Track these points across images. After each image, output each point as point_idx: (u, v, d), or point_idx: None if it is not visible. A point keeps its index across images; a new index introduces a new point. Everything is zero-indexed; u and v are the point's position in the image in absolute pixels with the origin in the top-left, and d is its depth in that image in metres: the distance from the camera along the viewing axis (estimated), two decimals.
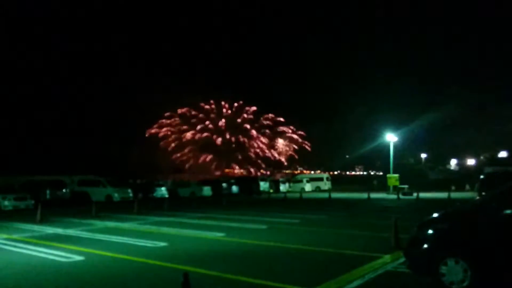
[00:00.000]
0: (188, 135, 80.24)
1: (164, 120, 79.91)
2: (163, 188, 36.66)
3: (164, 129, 79.55)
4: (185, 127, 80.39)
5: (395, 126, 55.79)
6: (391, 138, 44.71)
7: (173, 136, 79.84)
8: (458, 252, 6.12)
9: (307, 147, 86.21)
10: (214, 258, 8.97)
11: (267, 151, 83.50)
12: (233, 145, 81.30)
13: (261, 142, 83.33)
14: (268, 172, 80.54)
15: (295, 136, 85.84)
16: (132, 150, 64.01)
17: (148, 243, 10.92)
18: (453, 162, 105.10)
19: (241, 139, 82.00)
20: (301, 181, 51.78)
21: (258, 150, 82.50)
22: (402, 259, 7.53)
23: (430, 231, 6.52)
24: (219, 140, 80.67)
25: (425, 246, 6.43)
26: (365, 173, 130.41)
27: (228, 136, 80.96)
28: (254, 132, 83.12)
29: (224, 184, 41.65)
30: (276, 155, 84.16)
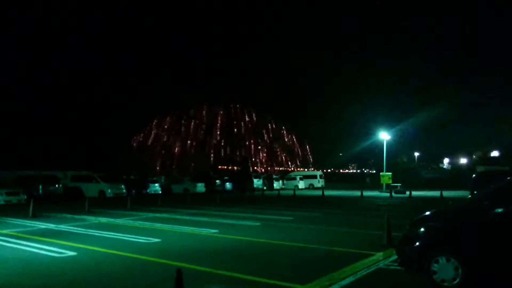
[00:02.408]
0: (180, 141, 79.74)
1: (153, 124, 79.39)
2: (156, 184, 36.60)
3: (152, 138, 79.00)
4: (174, 136, 79.87)
5: (389, 124, 56.12)
6: (384, 136, 44.88)
7: (160, 145, 79.28)
8: (450, 250, 6.17)
9: (303, 149, 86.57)
10: (207, 255, 8.98)
11: (265, 162, 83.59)
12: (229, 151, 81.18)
13: (261, 153, 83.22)
14: (262, 170, 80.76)
15: (291, 137, 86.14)
16: (125, 147, 63.97)
17: (141, 239, 10.90)
18: (446, 161, 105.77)
19: (239, 152, 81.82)
20: (294, 178, 51.89)
21: (257, 160, 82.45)
22: (395, 257, 7.58)
23: (422, 229, 6.57)
24: (213, 142, 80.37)
25: (417, 244, 6.47)
26: (358, 171, 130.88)
27: (223, 144, 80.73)
28: (253, 145, 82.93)
29: (217, 181, 41.65)
30: (275, 167, 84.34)
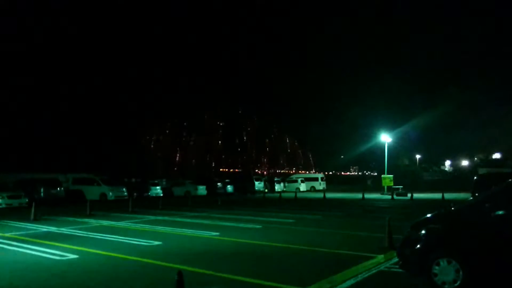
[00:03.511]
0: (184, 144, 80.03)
1: (155, 127, 79.52)
2: (157, 187, 36.58)
3: (153, 140, 79.04)
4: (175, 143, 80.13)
5: (390, 127, 56.09)
6: (385, 139, 44.81)
7: (162, 148, 79.43)
8: (451, 253, 6.17)
9: (304, 151, 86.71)
10: (208, 257, 8.99)
11: (266, 164, 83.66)
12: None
13: (262, 156, 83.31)
14: (264, 172, 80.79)
15: (292, 139, 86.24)
16: (127, 150, 64.08)
17: (143, 242, 10.91)
18: (447, 163, 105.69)
19: (240, 155, 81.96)
20: (296, 181, 51.79)
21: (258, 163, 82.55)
22: (396, 259, 7.58)
23: (423, 232, 6.57)
24: (215, 145, 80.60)
25: (418, 246, 6.48)
26: (360, 173, 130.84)
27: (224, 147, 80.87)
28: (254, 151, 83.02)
29: (219, 184, 41.58)
30: (277, 169, 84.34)
